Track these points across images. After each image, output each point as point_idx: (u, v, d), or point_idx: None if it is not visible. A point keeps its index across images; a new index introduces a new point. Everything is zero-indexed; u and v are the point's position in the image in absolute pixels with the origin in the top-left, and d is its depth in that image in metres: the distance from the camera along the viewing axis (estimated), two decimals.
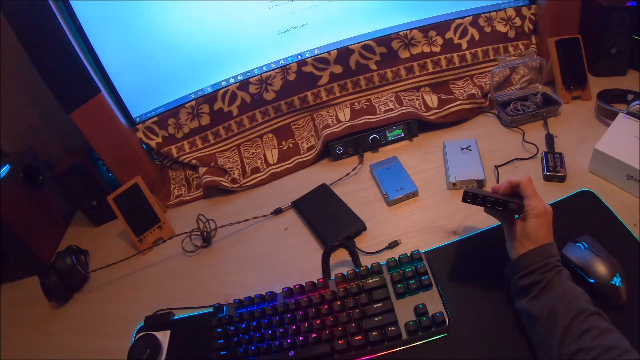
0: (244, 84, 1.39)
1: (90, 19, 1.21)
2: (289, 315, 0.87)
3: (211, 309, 0.94)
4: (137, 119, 1.37)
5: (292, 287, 0.92)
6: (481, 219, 1.01)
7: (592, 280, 0.82)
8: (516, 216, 0.84)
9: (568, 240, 0.90)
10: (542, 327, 0.72)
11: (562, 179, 1.09)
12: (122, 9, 1.22)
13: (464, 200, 0.85)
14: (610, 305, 0.80)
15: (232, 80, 1.40)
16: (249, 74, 1.40)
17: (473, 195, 0.84)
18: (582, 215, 0.99)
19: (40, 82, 1.17)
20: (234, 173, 1.33)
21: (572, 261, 0.86)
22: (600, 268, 0.83)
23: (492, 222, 0.99)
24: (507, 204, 0.83)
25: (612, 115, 1.15)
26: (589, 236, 0.89)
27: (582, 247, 0.87)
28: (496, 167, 1.16)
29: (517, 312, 0.80)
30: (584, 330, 0.68)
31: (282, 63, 1.40)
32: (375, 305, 0.85)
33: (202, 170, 1.35)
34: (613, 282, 0.81)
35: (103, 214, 1.33)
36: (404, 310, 0.85)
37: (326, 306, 0.87)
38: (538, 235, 0.79)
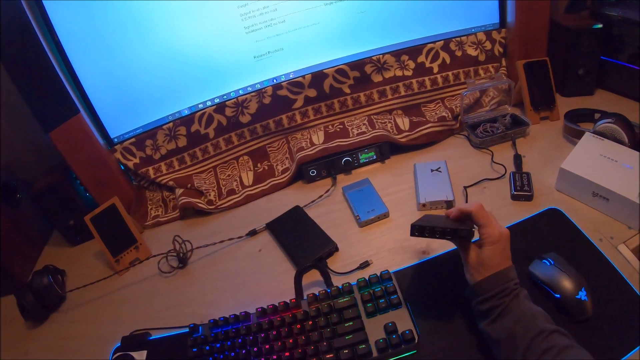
0: (220, 107, 1.41)
1: (71, 39, 1.23)
2: (262, 335, 0.90)
3: (187, 329, 0.95)
4: (115, 140, 1.38)
5: (266, 307, 0.94)
6: None
7: (558, 296, 0.86)
8: (473, 240, 0.85)
9: (535, 257, 0.93)
10: (503, 349, 0.75)
11: (529, 198, 1.13)
12: (103, 30, 1.24)
13: (412, 234, 0.85)
14: (577, 319, 0.83)
15: (209, 103, 1.42)
16: (225, 97, 1.42)
17: (420, 228, 0.84)
18: (549, 232, 1.03)
19: (19, 99, 1.18)
20: (210, 195, 1.35)
21: (538, 277, 0.90)
22: (566, 283, 0.86)
23: None
24: (455, 232, 0.83)
25: (579, 135, 1.19)
26: (555, 253, 0.93)
27: (548, 264, 0.90)
28: (465, 187, 1.20)
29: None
30: (544, 350, 0.70)
31: (258, 87, 1.43)
32: (346, 324, 0.88)
33: (178, 191, 1.36)
34: (578, 297, 0.84)
35: (80, 233, 1.33)
36: (374, 329, 0.88)
37: (298, 325, 0.90)
38: (493, 262, 0.80)
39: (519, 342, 0.72)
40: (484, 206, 0.84)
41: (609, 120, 1.18)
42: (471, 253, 0.83)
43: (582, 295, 0.85)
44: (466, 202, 1.16)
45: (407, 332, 0.85)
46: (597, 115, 1.30)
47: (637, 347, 0.80)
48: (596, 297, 0.85)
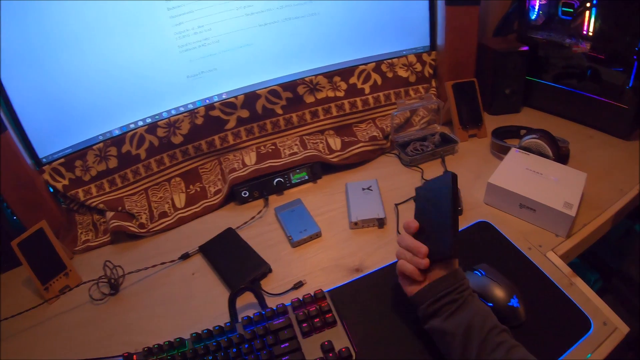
0: (152, 127, 1.39)
1: (2, 51, 1.18)
2: None
3: (121, 359, 0.93)
4: (44, 160, 1.33)
5: (201, 332, 0.93)
6: (382, 256, 1.09)
7: (491, 304, 0.89)
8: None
9: (466, 269, 0.95)
10: (460, 341, 0.76)
11: (459, 212, 1.17)
12: (36, 44, 1.21)
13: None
14: (511, 325, 0.85)
15: (140, 123, 1.40)
16: (157, 117, 1.41)
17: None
18: (480, 244, 1.08)
19: None
20: (141, 218, 1.33)
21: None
22: (498, 292, 0.90)
23: (391, 258, 1.05)
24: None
25: (506, 150, 1.26)
26: (487, 263, 0.97)
27: (480, 275, 0.94)
28: (396, 205, 1.24)
29: (429, 333, 0.84)
30: (498, 344, 0.74)
31: (191, 107, 1.43)
32: (282, 346, 0.88)
33: (109, 214, 1.33)
34: (511, 304, 0.89)
35: (5, 260, 1.26)
36: (311, 348, 0.88)
37: (234, 349, 0.89)
38: (455, 263, 0.84)
39: (476, 333, 0.75)
40: None
41: (534, 135, 1.25)
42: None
43: (514, 302, 0.89)
44: (397, 219, 1.20)
45: (343, 349, 0.86)
46: (522, 132, 1.38)
47: (570, 349, 0.85)
48: (528, 304, 0.90)
